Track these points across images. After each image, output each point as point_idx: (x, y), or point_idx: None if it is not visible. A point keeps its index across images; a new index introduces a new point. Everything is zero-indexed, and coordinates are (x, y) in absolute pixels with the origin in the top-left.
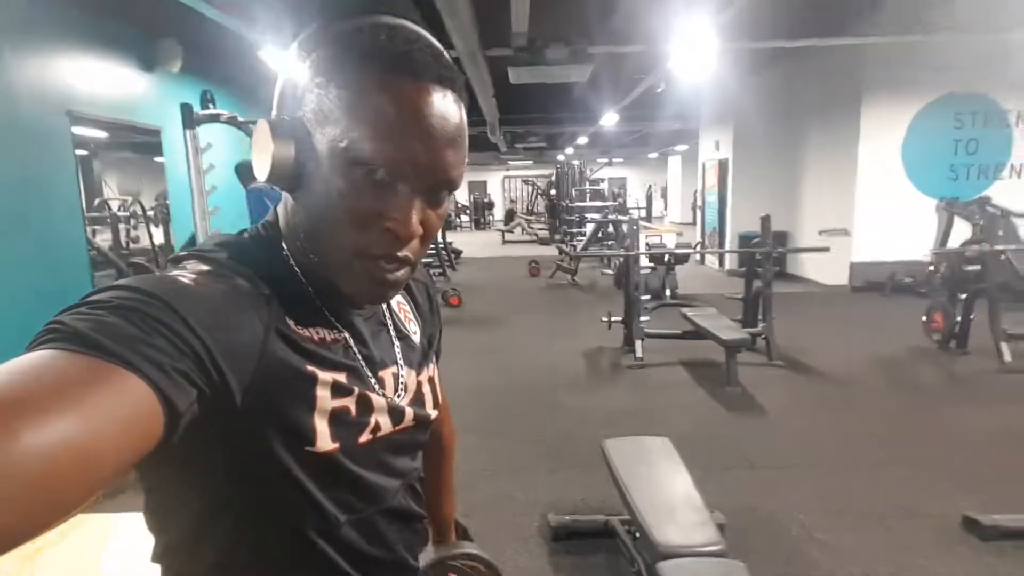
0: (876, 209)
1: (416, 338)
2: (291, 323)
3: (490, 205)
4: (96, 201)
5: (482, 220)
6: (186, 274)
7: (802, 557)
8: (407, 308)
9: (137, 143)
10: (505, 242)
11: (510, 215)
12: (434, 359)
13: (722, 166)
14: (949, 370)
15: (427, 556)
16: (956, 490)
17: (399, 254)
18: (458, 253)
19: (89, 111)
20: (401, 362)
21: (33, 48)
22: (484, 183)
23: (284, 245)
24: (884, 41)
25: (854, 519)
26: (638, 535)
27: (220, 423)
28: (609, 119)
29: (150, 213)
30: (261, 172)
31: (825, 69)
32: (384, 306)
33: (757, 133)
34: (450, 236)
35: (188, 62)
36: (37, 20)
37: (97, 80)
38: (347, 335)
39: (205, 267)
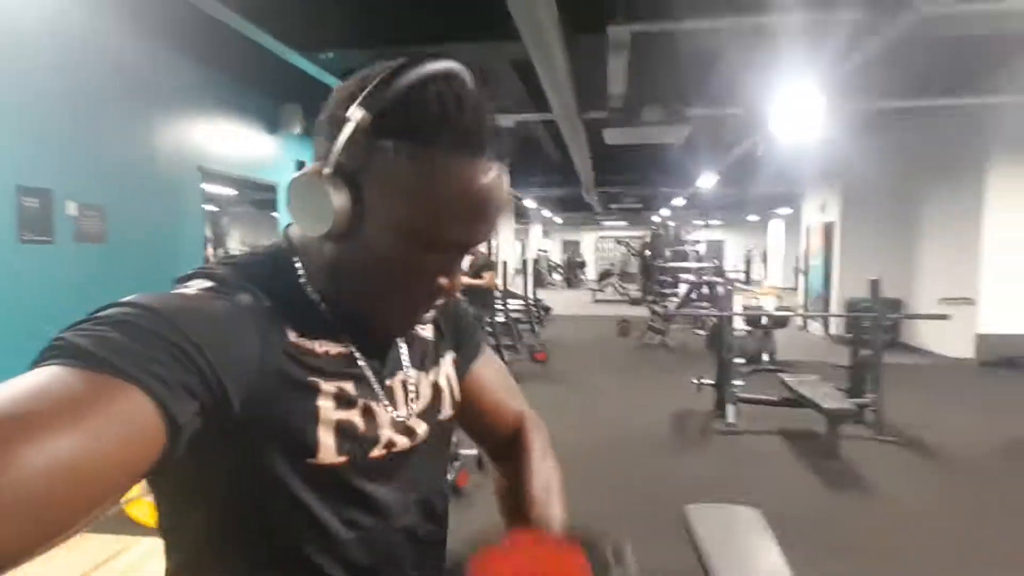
0: (1007, 277)
1: (427, 333)
2: (294, 336)
3: (582, 264)
4: (220, 251)
5: (574, 279)
6: (189, 291)
7: None
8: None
9: (257, 199)
10: (596, 301)
11: (605, 275)
12: (450, 353)
13: (828, 229)
14: None
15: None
16: None
17: (438, 303)
18: (547, 309)
19: (218, 168)
20: (409, 367)
21: (173, 109)
22: (577, 243)
23: (299, 268)
24: (1012, 100)
25: None
26: None
27: (221, 436)
28: (706, 181)
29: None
30: (315, 228)
31: (945, 129)
32: None
33: (868, 195)
34: (541, 293)
35: (309, 125)
36: (179, 84)
37: (226, 140)
38: (353, 348)
39: (208, 283)
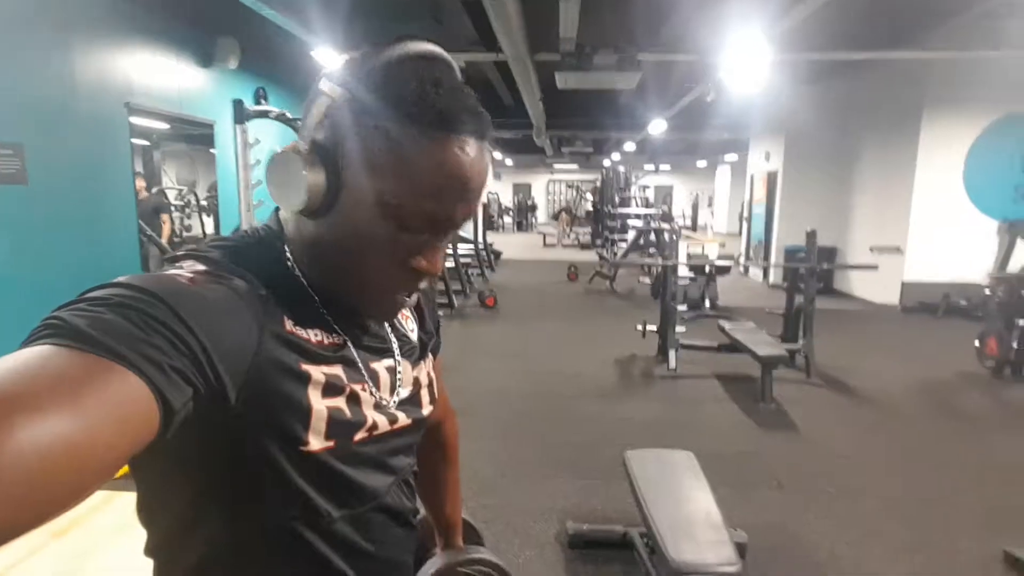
0: (932, 227)
1: (413, 335)
2: (288, 324)
3: (533, 207)
4: (154, 189)
5: (524, 222)
6: (184, 274)
7: None
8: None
9: (193, 135)
10: (546, 245)
11: (559, 213)
12: (431, 355)
13: (771, 178)
14: (1001, 398)
15: (435, 563)
16: (999, 524)
17: (421, 287)
18: (498, 255)
19: (147, 103)
20: (399, 356)
21: (96, 42)
22: (528, 186)
23: (287, 250)
24: (950, 56)
25: (885, 548)
26: (654, 549)
27: (215, 421)
28: (657, 127)
29: (204, 203)
30: (291, 203)
31: (885, 83)
32: None
33: (809, 145)
34: (491, 237)
35: (244, 60)
36: (102, 16)
37: (156, 75)
38: (344, 335)
39: (202, 267)
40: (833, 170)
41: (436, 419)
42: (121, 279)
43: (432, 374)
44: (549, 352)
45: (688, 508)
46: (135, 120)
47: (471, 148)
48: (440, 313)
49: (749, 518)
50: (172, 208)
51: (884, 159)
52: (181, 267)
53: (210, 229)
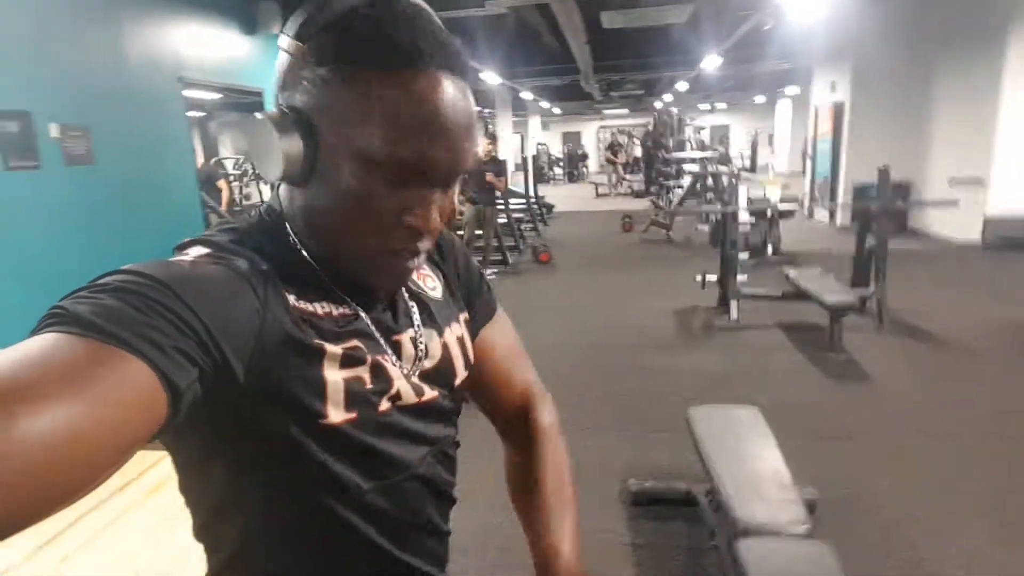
0: (1019, 156)
1: (436, 294)
2: (294, 299)
3: (584, 157)
4: (212, 160)
5: (576, 172)
6: (186, 258)
7: (901, 540)
8: (423, 267)
9: (244, 103)
10: (599, 196)
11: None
12: (463, 314)
13: (837, 109)
14: None
15: None
16: None
17: (419, 246)
18: (550, 208)
19: (198, 76)
20: (419, 325)
21: (145, 17)
22: (578, 134)
23: (288, 227)
24: None
25: (965, 502)
26: (719, 508)
27: (228, 402)
28: (711, 62)
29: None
30: (271, 172)
31: None
32: None
33: (879, 72)
34: (542, 190)
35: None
36: None
37: (204, 46)
38: (358, 307)
39: (206, 250)
40: (906, 98)
41: (517, 407)
42: (125, 266)
43: (466, 339)
44: (606, 305)
45: (754, 466)
46: (188, 93)
47: (439, 82)
48: (491, 272)
49: (818, 473)
50: (228, 175)
51: (964, 82)
52: (187, 253)
53: (268, 196)
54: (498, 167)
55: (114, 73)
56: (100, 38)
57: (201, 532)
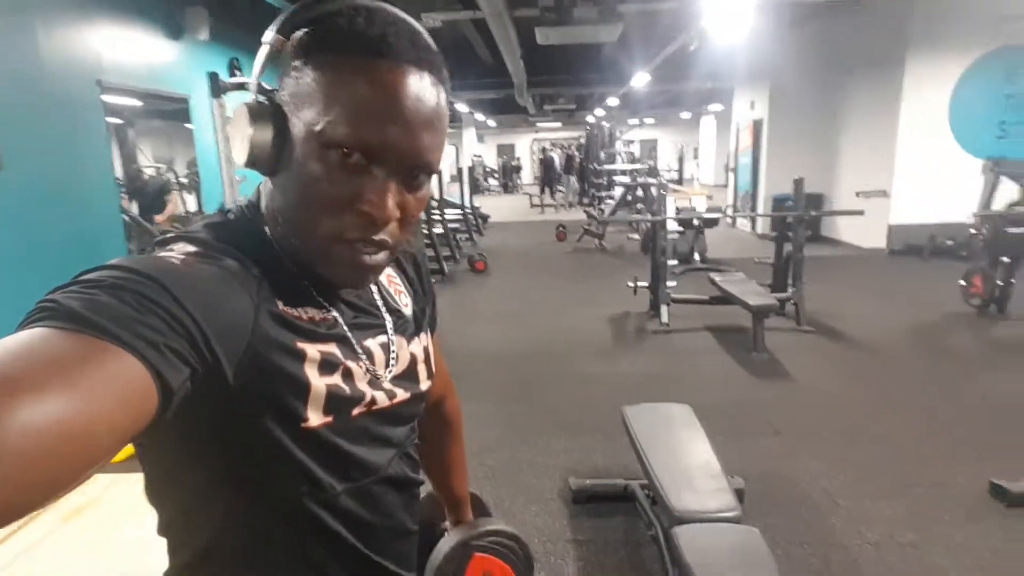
0: (917, 170)
1: (407, 311)
2: (280, 303)
3: (518, 169)
4: (133, 167)
5: (510, 184)
6: (175, 255)
7: (823, 523)
8: (397, 281)
9: (167, 111)
10: (533, 206)
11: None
12: (428, 330)
13: (757, 126)
14: (987, 336)
15: (449, 540)
16: (987, 458)
17: (375, 238)
18: (485, 218)
19: (119, 80)
20: (392, 333)
21: (62, 17)
22: (512, 146)
23: (266, 227)
24: None
25: (878, 487)
26: (656, 500)
27: (214, 401)
28: (640, 79)
29: (183, 180)
30: (239, 156)
31: (867, 24)
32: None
33: (794, 92)
34: (477, 200)
35: (215, 30)
36: None
37: (127, 50)
38: (335, 313)
39: (193, 248)
40: (819, 116)
41: (438, 395)
42: (114, 261)
43: (429, 349)
44: (542, 313)
45: (687, 459)
46: (107, 98)
47: (405, 73)
48: (432, 280)
49: (746, 465)
50: (178, 187)
51: (869, 102)
52: (172, 249)
53: (192, 207)
54: None
55: (26, 75)
56: (12, 40)
57: (167, 528)
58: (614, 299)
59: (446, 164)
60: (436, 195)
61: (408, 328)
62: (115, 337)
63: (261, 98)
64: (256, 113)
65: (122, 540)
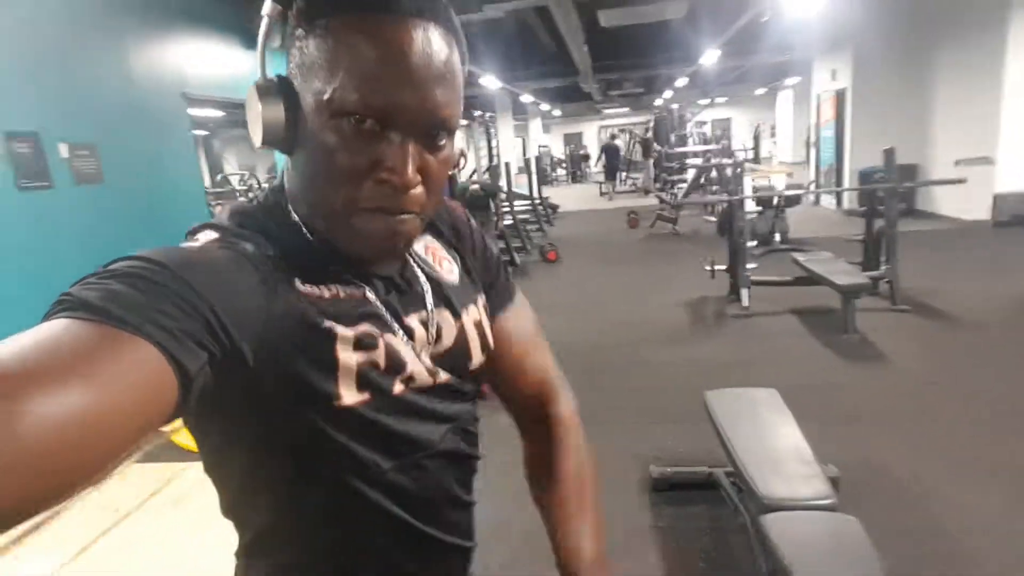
0: None
1: (452, 277)
2: (300, 282)
3: (586, 157)
4: (218, 176)
5: (579, 173)
6: (195, 244)
7: (922, 513)
8: (436, 247)
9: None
10: (603, 194)
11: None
12: (481, 296)
13: (839, 97)
14: None
15: None
16: None
17: (399, 205)
18: (554, 208)
19: (201, 92)
20: (431, 307)
21: (149, 34)
22: (579, 134)
23: (291, 208)
24: None
25: (982, 475)
26: (742, 488)
27: (239, 384)
28: (710, 57)
29: (264, 185)
30: (255, 137)
31: None
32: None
33: (880, 58)
34: (546, 191)
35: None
36: (155, 4)
37: (206, 62)
38: (366, 289)
39: (215, 235)
40: (908, 82)
41: (534, 398)
42: (132, 253)
43: (484, 323)
44: (616, 301)
45: (775, 444)
46: (193, 111)
47: (409, 27)
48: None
49: (839, 452)
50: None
51: (967, 63)
52: (197, 238)
53: None
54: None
55: (119, 91)
56: (105, 57)
57: (229, 510)
58: (691, 284)
59: (513, 156)
60: (504, 187)
61: (454, 298)
62: (129, 325)
63: (268, 75)
64: (264, 90)
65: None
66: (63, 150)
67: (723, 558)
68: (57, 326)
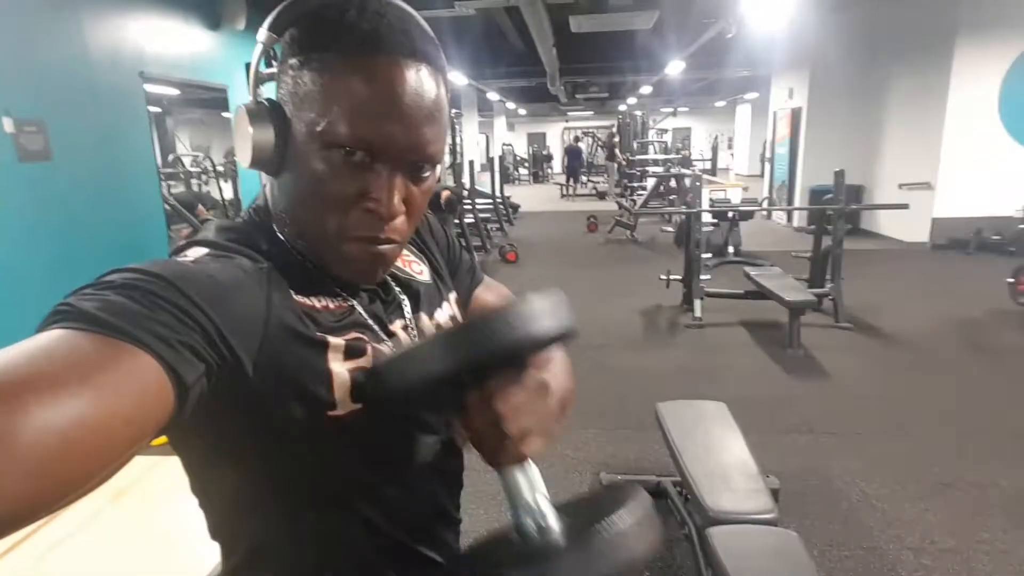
0: (964, 160)
1: (424, 277)
2: (294, 294)
3: (549, 158)
4: (170, 157)
5: (540, 173)
6: (187, 258)
7: (860, 525)
8: (405, 253)
9: (206, 99)
10: (564, 196)
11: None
12: (452, 292)
13: (795, 115)
14: None
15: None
16: None
17: (383, 236)
18: (515, 208)
19: (160, 72)
20: (409, 312)
21: (106, 10)
22: (543, 135)
23: (275, 226)
24: None
25: (918, 488)
26: (689, 499)
27: (237, 396)
28: (675, 67)
29: (220, 168)
30: (243, 158)
31: (915, 8)
32: None
33: (835, 79)
34: (508, 190)
35: (252, 20)
36: None
37: (167, 41)
38: (353, 302)
39: (205, 250)
40: (860, 105)
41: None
42: (129, 265)
43: (458, 315)
44: (573, 305)
45: (722, 457)
46: (149, 88)
47: (400, 67)
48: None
49: (781, 464)
50: (215, 175)
51: (914, 91)
52: (187, 255)
53: (229, 195)
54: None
55: (73, 67)
56: (59, 31)
57: (217, 532)
58: (646, 292)
59: (476, 153)
60: (467, 184)
61: (428, 299)
62: (128, 335)
63: (260, 98)
64: (255, 114)
65: (163, 520)
66: (7, 124)
67: (668, 569)
68: (54, 336)
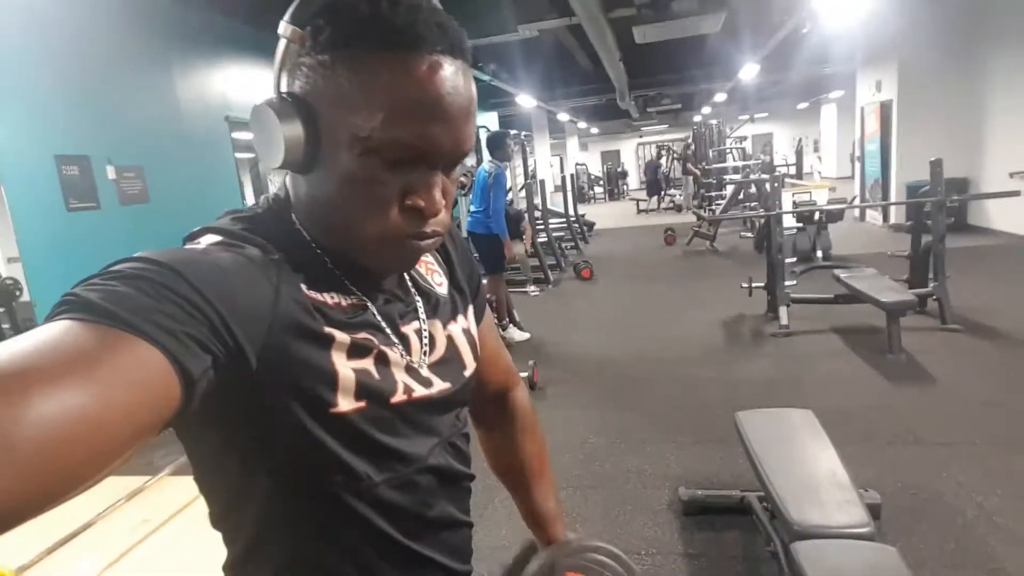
0: None
1: (442, 290)
2: (305, 288)
3: (623, 174)
4: (260, 199)
5: (616, 190)
6: (198, 246)
7: (975, 543)
8: (428, 260)
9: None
10: (640, 211)
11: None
12: (470, 307)
13: (884, 109)
14: None
15: (536, 561)
16: None
17: (427, 230)
18: (591, 225)
19: (244, 116)
20: (424, 317)
21: (195, 60)
22: (617, 152)
23: (294, 217)
24: None
25: None
26: (775, 513)
27: (240, 388)
28: (749, 71)
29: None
30: (273, 159)
31: None
32: None
33: (926, 67)
34: (582, 208)
35: None
36: (197, 33)
37: (249, 86)
38: (365, 298)
39: (218, 238)
40: (956, 92)
41: (499, 387)
42: (136, 254)
43: (472, 330)
44: (651, 318)
45: (809, 468)
46: (236, 135)
47: (439, 65)
48: (533, 289)
49: (883, 477)
50: None
51: (1020, 72)
52: (199, 242)
53: None
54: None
55: (166, 115)
56: (153, 83)
57: (219, 521)
58: (727, 302)
59: (549, 174)
60: (539, 204)
61: (444, 309)
62: (132, 326)
63: (285, 95)
64: (282, 111)
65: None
66: (110, 172)
67: None
68: (59, 327)
